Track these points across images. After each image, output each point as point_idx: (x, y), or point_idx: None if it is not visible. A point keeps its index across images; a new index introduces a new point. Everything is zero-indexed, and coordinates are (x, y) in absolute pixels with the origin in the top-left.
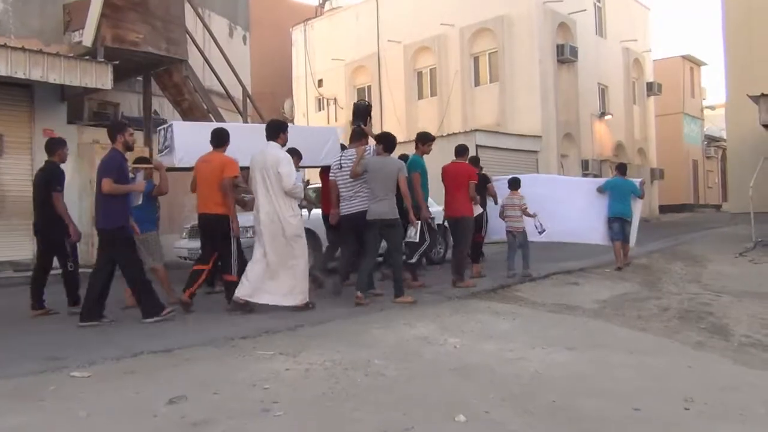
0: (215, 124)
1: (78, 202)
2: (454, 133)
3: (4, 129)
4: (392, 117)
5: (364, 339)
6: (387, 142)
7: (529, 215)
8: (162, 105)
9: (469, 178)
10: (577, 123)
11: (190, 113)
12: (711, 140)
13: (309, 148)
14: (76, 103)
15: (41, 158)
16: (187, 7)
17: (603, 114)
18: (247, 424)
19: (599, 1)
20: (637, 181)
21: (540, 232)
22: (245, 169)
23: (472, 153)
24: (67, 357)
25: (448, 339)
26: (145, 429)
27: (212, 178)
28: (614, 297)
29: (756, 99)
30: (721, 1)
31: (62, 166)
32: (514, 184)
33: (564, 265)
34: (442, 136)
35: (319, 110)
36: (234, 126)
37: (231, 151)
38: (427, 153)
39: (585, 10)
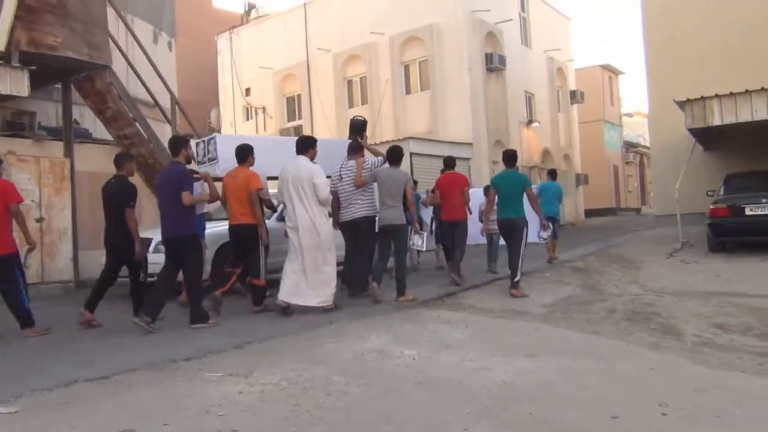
0: (254, 137)
1: None
2: (387, 141)
3: None
4: (323, 125)
5: (317, 354)
6: (394, 155)
7: None
8: (83, 113)
9: (463, 185)
10: (507, 130)
11: (114, 122)
12: (629, 146)
13: (329, 159)
14: None
15: None
16: (110, 10)
17: (530, 121)
18: None
19: (524, 12)
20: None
21: None
22: (274, 179)
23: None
24: None
25: (404, 351)
26: None
27: (239, 191)
28: (559, 301)
29: (682, 104)
30: (642, 13)
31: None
32: (488, 192)
33: (505, 271)
34: (375, 144)
35: (248, 119)
36: (262, 139)
37: (261, 162)
38: None
39: (511, 19)
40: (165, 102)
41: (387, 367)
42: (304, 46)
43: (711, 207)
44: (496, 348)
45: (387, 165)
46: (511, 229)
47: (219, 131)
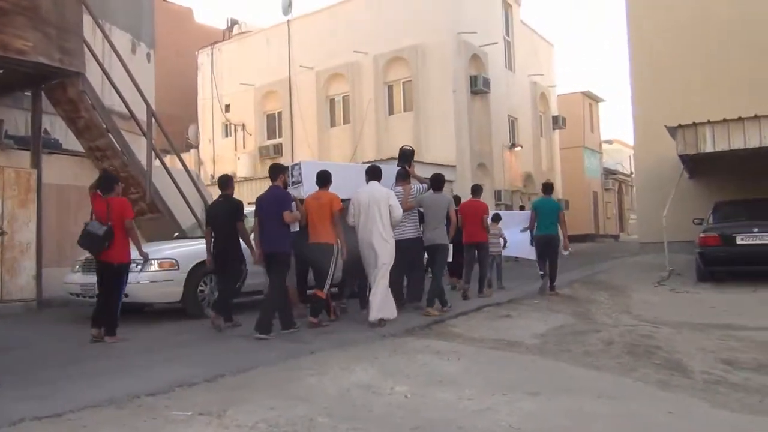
0: (335, 164)
1: None
2: (369, 161)
3: None
4: (304, 144)
5: (298, 390)
6: (436, 182)
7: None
8: (54, 123)
9: (483, 212)
10: (490, 153)
11: (86, 132)
12: (609, 173)
13: (385, 183)
14: None
15: None
16: (87, 18)
17: (513, 145)
18: None
19: (508, 36)
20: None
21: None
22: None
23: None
24: None
25: (394, 387)
26: None
27: (322, 212)
28: (552, 330)
29: (673, 131)
30: (628, 42)
31: None
32: (496, 218)
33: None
34: (356, 163)
35: (227, 136)
36: (336, 165)
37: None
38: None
39: (496, 43)
40: (141, 114)
41: (377, 407)
42: (286, 64)
43: (701, 236)
44: (495, 384)
45: (431, 191)
46: (549, 242)
47: (197, 147)
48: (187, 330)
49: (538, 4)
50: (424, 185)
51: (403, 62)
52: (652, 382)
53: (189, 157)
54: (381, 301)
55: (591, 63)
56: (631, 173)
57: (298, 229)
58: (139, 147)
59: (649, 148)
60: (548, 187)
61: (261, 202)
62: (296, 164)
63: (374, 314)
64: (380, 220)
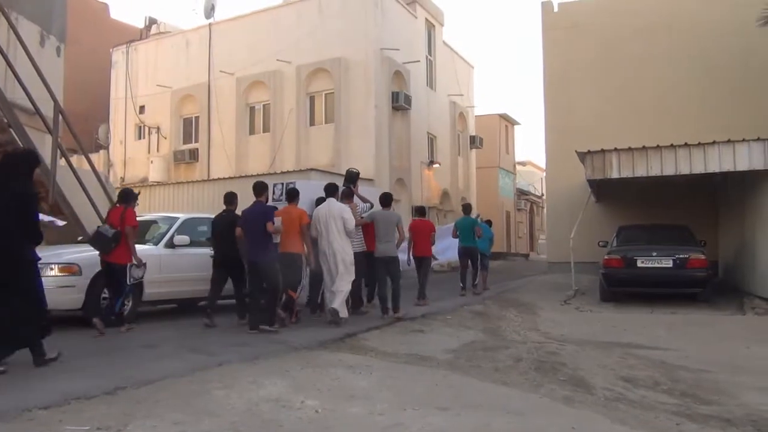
0: (312, 183)
1: None
2: (288, 171)
3: None
4: (221, 150)
5: (204, 403)
6: (385, 199)
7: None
8: None
9: (431, 230)
10: (409, 169)
11: None
12: (521, 194)
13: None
14: None
15: None
16: None
17: (432, 162)
18: None
19: (431, 55)
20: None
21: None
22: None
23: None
24: None
25: (305, 401)
26: None
27: (291, 225)
28: (463, 346)
29: (582, 156)
30: (543, 73)
31: None
32: None
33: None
34: (275, 173)
35: (140, 138)
36: (306, 183)
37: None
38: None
39: (419, 61)
40: (48, 110)
41: (287, 422)
42: (206, 67)
43: (605, 257)
44: (406, 399)
45: (380, 208)
46: (470, 253)
47: (107, 148)
48: (89, 339)
49: (460, 26)
50: (368, 204)
51: (326, 74)
52: (558, 398)
53: (98, 158)
54: (340, 303)
55: (508, 87)
56: (542, 195)
57: (278, 240)
58: (43, 145)
59: (559, 172)
60: (467, 208)
61: (246, 215)
62: (277, 183)
63: (336, 306)
64: (337, 232)
